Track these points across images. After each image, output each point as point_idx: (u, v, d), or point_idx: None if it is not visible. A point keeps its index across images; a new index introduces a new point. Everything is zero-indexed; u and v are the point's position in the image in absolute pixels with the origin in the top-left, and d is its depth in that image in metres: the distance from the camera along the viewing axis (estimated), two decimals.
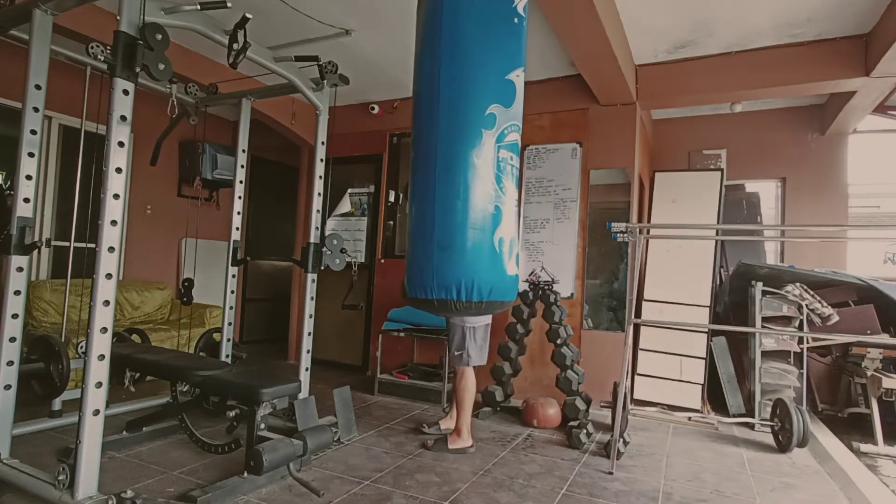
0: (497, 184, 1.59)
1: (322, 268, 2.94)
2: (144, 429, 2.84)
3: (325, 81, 2.96)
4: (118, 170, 1.87)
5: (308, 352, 3.00)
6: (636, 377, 4.14)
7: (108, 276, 1.84)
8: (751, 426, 3.70)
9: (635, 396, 4.10)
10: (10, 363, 2.16)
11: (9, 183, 3.99)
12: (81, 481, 1.80)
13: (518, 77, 1.65)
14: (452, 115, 1.64)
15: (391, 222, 5.12)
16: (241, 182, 3.43)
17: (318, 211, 3.00)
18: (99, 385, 1.84)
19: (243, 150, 3.41)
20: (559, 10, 2.85)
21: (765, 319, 3.79)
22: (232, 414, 2.40)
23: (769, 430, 3.43)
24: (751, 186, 4.98)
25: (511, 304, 1.83)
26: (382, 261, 5.10)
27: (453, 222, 1.61)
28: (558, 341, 3.56)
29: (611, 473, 2.75)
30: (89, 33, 3.12)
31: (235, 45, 2.32)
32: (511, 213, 1.66)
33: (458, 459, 2.88)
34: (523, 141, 4.44)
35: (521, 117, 1.70)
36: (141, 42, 1.83)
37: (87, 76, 2.94)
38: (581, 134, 4.32)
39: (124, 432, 2.79)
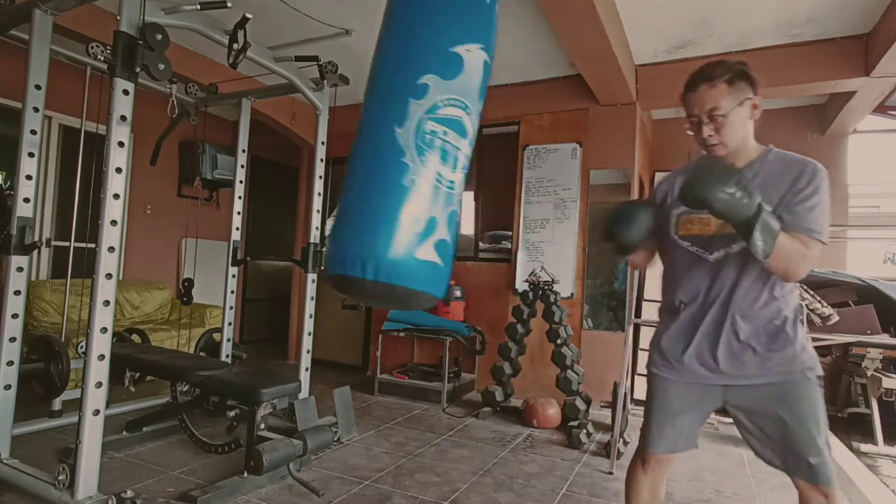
0: (418, 156, 1.44)
1: (322, 268, 2.94)
2: (144, 429, 2.84)
3: (325, 81, 2.97)
4: (118, 170, 1.87)
5: (308, 352, 3.00)
6: (636, 377, 4.14)
7: (108, 276, 1.84)
8: None
9: (635, 396, 4.10)
10: (10, 363, 2.16)
11: (9, 183, 3.99)
12: (81, 481, 1.80)
13: (469, 52, 1.50)
14: (383, 86, 1.53)
15: None
16: (241, 182, 3.43)
17: (318, 211, 3.00)
18: (99, 385, 1.84)
19: (243, 150, 3.41)
20: (559, 10, 2.86)
21: None
22: (232, 414, 2.40)
23: None
24: None
25: (428, 297, 1.52)
26: None
27: (359, 193, 1.49)
28: (558, 341, 3.56)
29: (611, 473, 2.75)
30: (89, 33, 3.12)
31: (235, 45, 2.32)
32: (439, 192, 1.48)
33: (458, 459, 2.88)
34: (523, 140, 4.52)
35: (472, 94, 1.53)
36: (141, 42, 1.83)
37: (87, 76, 2.93)
38: (581, 134, 4.32)
39: (124, 432, 2.79)
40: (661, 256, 1.57)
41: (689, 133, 1.50)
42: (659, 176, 4.60)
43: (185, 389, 2.62)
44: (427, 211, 1.46)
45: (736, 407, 1.43)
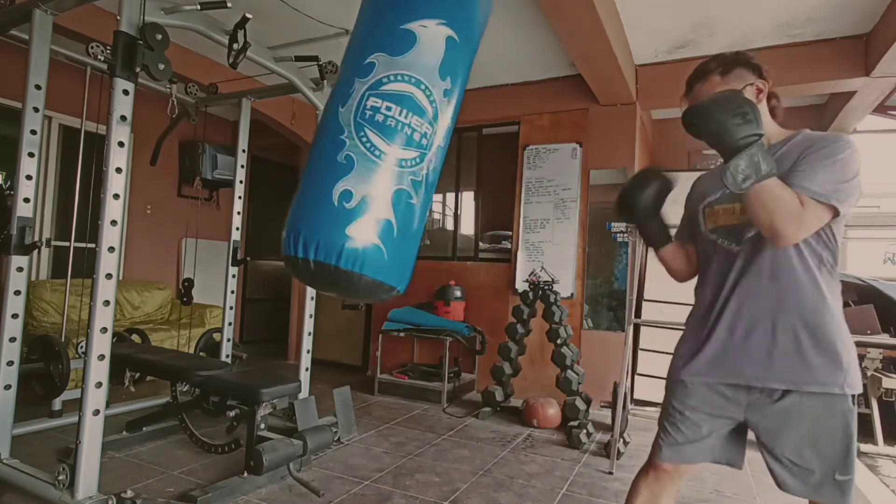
0: (356, 132, 1.39)
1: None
2: (144, 429, 2.84)
3: (325, 81, 2.97)
4: (118, 170, 1.87)
5: (308, 352, 3.00)
6: (636, 377, 4.14)
7: (108, 276, 1.84)
8: None
9: (635, 396, 4.10)
10: (10, 363, 2.16)
11: (9, 183, 3.99)
12: (81, 481, 1.80)
13: (425, 28, 1.44)
14: (340, 70, 1.51)
15: None
16: (241, 182, 3.42)
17: None
18: (99, 385, 1.84)
19: (243, 150, 3.41)
20: (559, 10, 2.86)
21: None
22: (232, 414, 2.40)
23: None
24: None
25: (371, 282, 1.39)
26: None
27: (304, 174, 1.47)
28: (558, 341, 3.56)
29: (611, 473, 2.75)
30: (89, 33, 3.12)
31: (235, 45, 2.32)
32: (378, 169, 1.40)
33: (458, 459, 2.88)
34: (523, 140, 4.52)
35: (428, 70, 1.45)
36: (141, 42, 1.83)
37: (87, 76, 2.94)
38: (581, 134, 4.32)
39: (124, 432, 2.79)
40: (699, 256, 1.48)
41: None
42: None
43: (185, 389, 2.62)
44: (362, 187, 1.38)
45: (758, 418, 1.26)
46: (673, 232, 1.53)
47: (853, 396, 1.20)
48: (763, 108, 1.34)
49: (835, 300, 1.24)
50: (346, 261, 1.36)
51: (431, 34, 1.46)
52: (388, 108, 1.41)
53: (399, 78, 1.43)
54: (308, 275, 1.41)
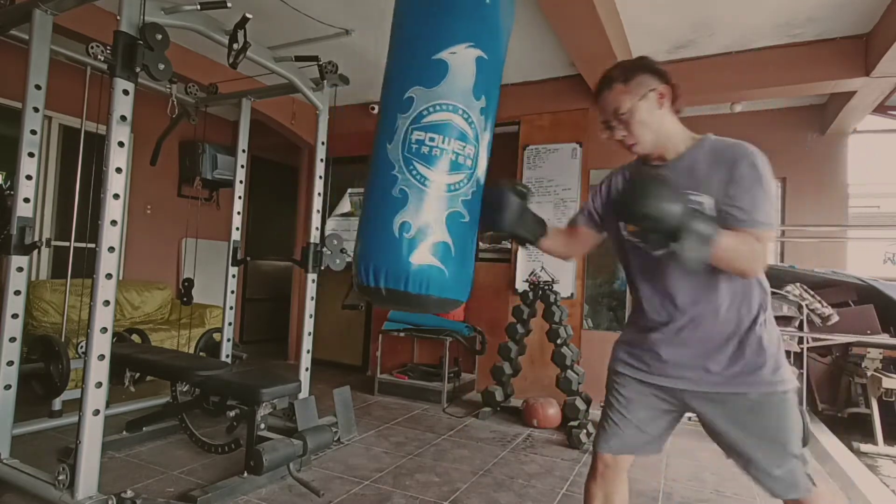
0: (406, 166, 1.52)
1: (322, 268, 2.94)
2: (144, 429, 2.84)
3: (325, 81, 2.97)
4: (118, 170, 1.87)
5: (308, 352, 3.00)
6: None
7: (108, 276, 1.84)
8: None
9: None
10: (10, 363, 2.16)
11: (9, 183, 3.99)
12: (81, 481, 1.80)
13: (454, 54, 1.54)
14: (381, 107, 1.63)
15: None
16: (241, 182, 3.43)
17: (318, 211, 3.00)
18: (99, 385, 1.84)
19: (243, 150, 3.41)
20: (559, 10, 2.86)
21: None
22: (232, 414, 2.40)
23: None
24: None
25: (437, 300, 1.54)
26: None
27: (366, 209, 1.61)
28: (558, 341, 3.56)
29: None
30: (89, 33, 3.12)
31: (235, 45, 2.32)
32: (430, 198, 1.53)
33: (458, 459, 2.88)
34: (523, 140, 4.52)
35: (462, 94, 1.55)
36: (141, 42, 1.84)
37: (87, 76, 2.94)
38: (581, 134, 4.32)
39: (124, 432, 2.79)
40: (616, 255, 1.57)
41: (608, 139, 1.47)
42: None
43: (185, 389, 2.62)
44: (418, 217, 1.51)
45: (698, 412, 1.36)
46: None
47: (785, 391, 1.30)
48: (666, 112, 1.39)
49: (752, 301, 1.32)
50: (413, 285, 1.51)
51: (461, 59, 1.56)
52: (432, 139, 1.52)
53: (438, 108, 1.53)
54: (381, 300, 1.56)
